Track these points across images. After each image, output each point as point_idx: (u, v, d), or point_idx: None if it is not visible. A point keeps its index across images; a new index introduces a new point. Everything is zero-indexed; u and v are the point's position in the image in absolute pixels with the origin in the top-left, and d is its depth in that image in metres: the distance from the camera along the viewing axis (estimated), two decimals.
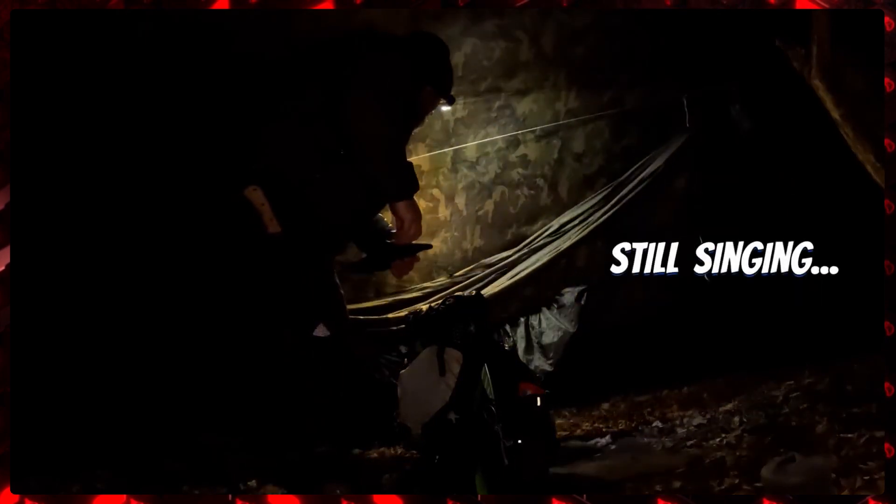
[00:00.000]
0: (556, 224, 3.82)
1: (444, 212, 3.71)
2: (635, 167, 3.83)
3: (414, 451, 2.78)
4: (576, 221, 3.79)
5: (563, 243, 3.72)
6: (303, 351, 2.38)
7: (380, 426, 3.07)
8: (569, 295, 3.72)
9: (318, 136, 2.26)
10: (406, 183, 2.30)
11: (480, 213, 3.78)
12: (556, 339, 3.68)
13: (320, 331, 2.36)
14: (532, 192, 3.85)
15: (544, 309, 3.74)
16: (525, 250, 3.77)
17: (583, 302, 3.68)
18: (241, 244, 2.40)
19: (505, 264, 3.73)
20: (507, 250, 3.81)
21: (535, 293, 3.72)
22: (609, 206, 3.76)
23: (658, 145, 3.87)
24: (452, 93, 2.57)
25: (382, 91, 2.20)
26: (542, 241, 3.78)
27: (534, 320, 3.75)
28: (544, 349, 3.69)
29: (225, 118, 2.90)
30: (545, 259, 3.70)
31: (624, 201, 3.74)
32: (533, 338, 3.73)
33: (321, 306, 2.41)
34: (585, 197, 3.90)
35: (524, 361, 3.56)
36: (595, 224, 3.72)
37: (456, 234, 3.75)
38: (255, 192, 2.27)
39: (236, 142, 2.44)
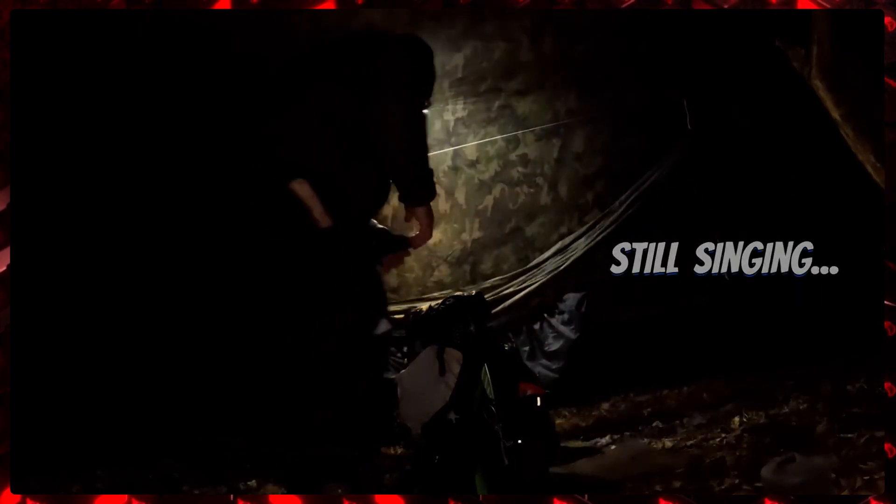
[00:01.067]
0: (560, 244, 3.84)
1: (444, 205, 3.72)
2: (637, 190, 3.85)
3: (414, 451, 2.78)
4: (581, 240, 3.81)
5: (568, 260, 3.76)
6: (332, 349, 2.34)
7: (379, 426, 3.07)
8: (570, 301, 3.72)
9: (337, 134, 2.25)
10: (428, 189, 2.33)
11: (480, 207, 3.79)
12: (558, 347, 3.68)
13: (383, 326, 2.36)
14: (531, 189, 3.85)
15: (546, 316, 3.75)
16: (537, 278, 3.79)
17: (584, 309, 3.69)
18: (286, 239, 2.32)
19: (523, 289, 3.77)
20: (505, 245, 3.83)
21: (539, 302, 3.75)
22: (612, 220, 3.78)
23: (657, 149, 3.87)
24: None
25: (409, 97, 2.23)
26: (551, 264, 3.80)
27: (536, 327, 3.76)
28: (548, 357, 3.69)
29: (225, 118, 2.91)
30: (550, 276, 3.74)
31: (626, 214, 3.77)
32: (536, 345, 3.73)
33: (372, 300, 2.37)
34: (585, 195, 3.90)
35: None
36: (599, 237, 3.74)
37: (455, 225, 3.76)
38: (303, 185, 2.21)
39: (250, 139, 2.41)
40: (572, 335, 3.67)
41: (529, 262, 3.83)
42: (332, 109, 2.25)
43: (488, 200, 3.80)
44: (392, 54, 2.30)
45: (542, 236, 3.89)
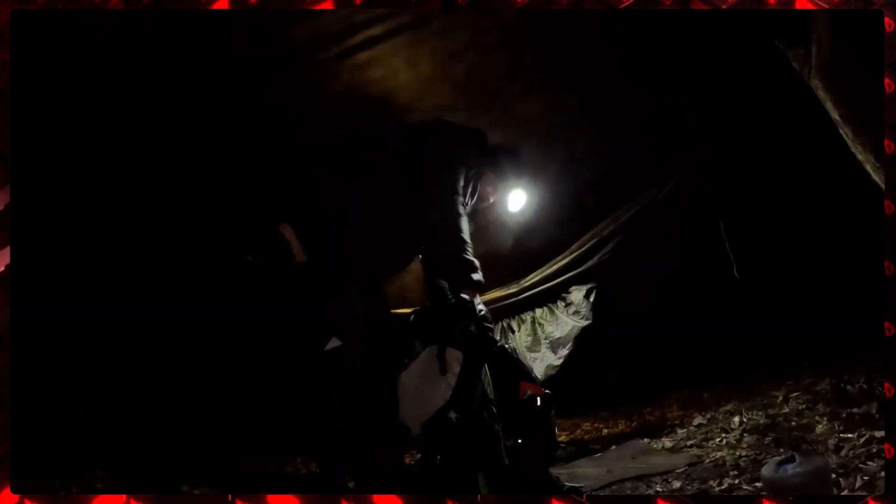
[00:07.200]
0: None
1: None
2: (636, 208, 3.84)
3: (414, 451, 2.77)
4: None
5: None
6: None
7: (380, 426, 3.07)
8: (576, 293, 3.70)
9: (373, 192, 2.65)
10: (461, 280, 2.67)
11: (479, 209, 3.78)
12: (565, 334, 3.65)
13: (332, 343, 2.62)
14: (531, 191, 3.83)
15: (551, 305, 3.74)
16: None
17: (591, 299, 3.67)
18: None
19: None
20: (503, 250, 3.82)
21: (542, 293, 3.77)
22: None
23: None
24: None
25: (452, 182, 2.66)
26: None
27: (540, 317, 3.75)
28: (552, 344, 3.66)
29: (224, 119, 2.92)
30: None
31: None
32: (540, 334, 3.71)
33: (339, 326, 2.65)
34: (586, 203, 3.90)
35: (530, 357, 3.56)
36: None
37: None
38: (286, 228, 2.65)
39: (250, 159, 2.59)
40: (581, 322, 3.65)
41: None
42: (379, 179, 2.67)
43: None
44: (439, 140, 2.78)
45: None
